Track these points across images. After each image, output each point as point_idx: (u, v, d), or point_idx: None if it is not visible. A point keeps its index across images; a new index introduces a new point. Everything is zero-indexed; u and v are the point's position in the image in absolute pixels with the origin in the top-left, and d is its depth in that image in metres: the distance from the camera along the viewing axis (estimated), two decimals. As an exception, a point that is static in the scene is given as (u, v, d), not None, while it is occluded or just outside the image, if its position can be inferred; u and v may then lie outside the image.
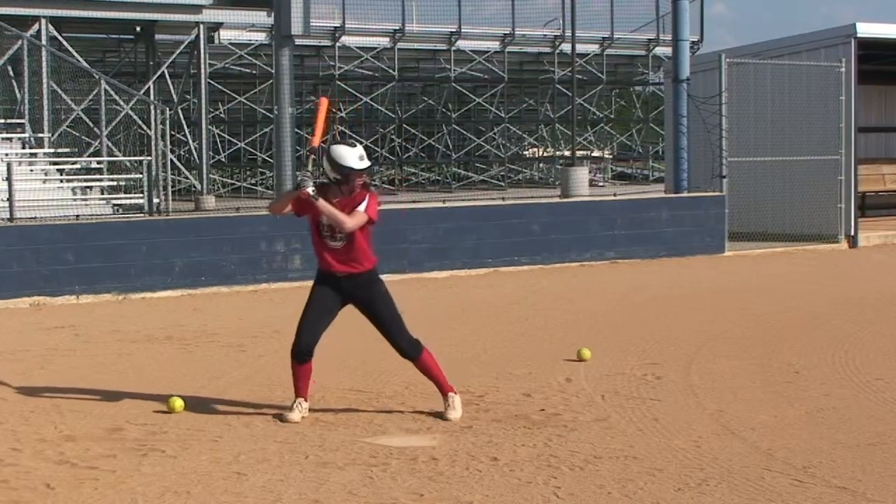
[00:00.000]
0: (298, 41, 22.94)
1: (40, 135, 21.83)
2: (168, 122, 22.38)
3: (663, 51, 38.06)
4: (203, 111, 30.78)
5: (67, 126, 23.41)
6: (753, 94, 19.34)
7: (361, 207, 6.90)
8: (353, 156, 6.85)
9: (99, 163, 21.70)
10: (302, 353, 7.06)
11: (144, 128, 23.30)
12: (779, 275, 15.23)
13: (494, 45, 39.00)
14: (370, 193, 6.99)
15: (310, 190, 6.83)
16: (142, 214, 17.84)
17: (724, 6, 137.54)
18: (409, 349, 7.10)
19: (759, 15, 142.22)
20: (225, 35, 32.83)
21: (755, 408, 7.32)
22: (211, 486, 5.74)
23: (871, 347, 9.54)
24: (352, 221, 6.87)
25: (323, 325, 7.09)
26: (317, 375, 7.30)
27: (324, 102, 7.29)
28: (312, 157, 7.03)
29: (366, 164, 6.90)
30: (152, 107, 21.90)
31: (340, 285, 7.03)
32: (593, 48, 40.06)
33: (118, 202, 19.98)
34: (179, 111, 32.07)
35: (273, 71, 22.41)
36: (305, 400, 7.16)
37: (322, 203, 6.85)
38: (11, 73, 23.18)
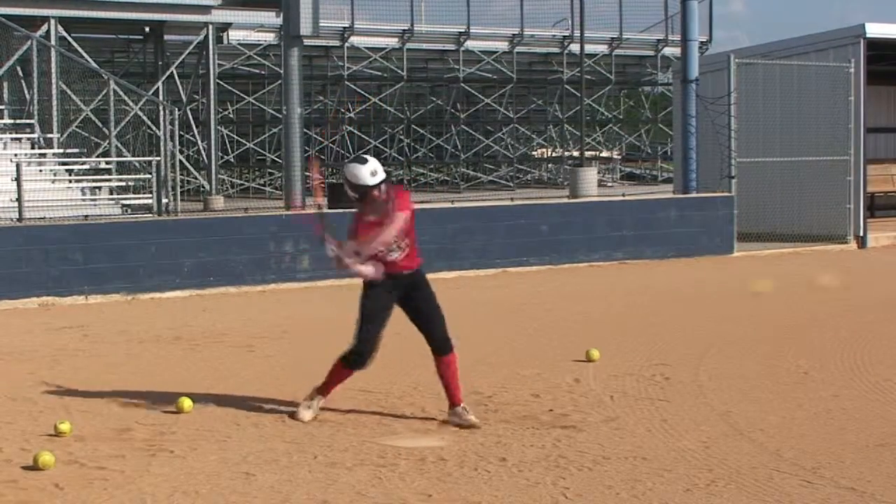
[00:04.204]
0: (307, 42, 22.93)
1: (49, 135, 21.86)
2: (177, 122, 22.39)
3: (672, 51, 38.00)
4: (212, 111, 30.79)
5: (76, 126, 23.42)
6: (762, 94, 19.29)
7: (390, 207, 6.90)
8: (365, 172, 6.84)
9: (108, 163, 21.74)
10: (364, 364, 7.06)
11: (153, 128, 23.36)
12: (787, 275, 15.20)
13: (503, 46, 38.96)
14: (394, 189, 6.98)
15: (329, 253, 6.95)
16: (150, 215, 17.88)
17: (741, 4, 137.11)
18: (445, 344, 7.11)
19: (777, 14, 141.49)
20: (234, 35, 32.82)
21: (764, 408, 7.32)
22: (219, 487, 5.75)
23: (879, 348, 9.52)
24: (391, 231, 6.86)
25: (383, 333, 7.12)
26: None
27: (313, 162, 7.46)
28: (320, 211, 7.39)
29: (379, 177, 6.86)
30: (161, 107, 21.92)
31: (402, 284, 7.03)
32: (602, 48, 40.01)
33: (127, 202, 20.01)
34: (188, 111, 32.07)
35: (282, 71, 22.40)
36: (324, 398, 7.16)
37: (353, 264, 6.89)
38: (21, 73, 23.22)
